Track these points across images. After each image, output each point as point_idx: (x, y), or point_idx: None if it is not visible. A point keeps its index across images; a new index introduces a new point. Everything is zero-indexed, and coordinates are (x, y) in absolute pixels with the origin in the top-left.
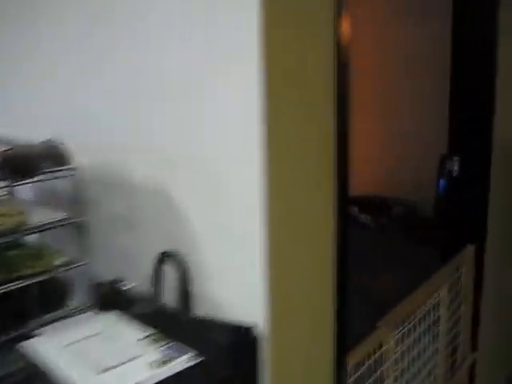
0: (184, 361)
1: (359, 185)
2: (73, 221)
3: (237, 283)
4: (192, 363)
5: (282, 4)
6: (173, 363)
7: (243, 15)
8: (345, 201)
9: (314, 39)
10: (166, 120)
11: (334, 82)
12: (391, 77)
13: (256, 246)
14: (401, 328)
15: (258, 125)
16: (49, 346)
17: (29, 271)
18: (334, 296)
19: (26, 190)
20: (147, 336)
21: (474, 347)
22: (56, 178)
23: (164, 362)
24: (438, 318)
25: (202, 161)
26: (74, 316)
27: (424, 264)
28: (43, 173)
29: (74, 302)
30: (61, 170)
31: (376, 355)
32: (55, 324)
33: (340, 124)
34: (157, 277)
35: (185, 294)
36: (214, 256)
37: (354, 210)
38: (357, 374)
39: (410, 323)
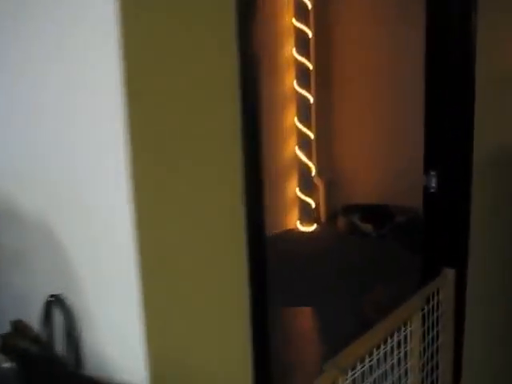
0: None
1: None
2: None
3: (117, 335)
4: None
5: None
6: None
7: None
8: (260, 230)
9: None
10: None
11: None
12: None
13: (131, 295)
14: (359, 367)
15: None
16: None
17: None
18: (249, 350)
19: None
20: None
21: (456, 378)
22: None
23: None
24: (410, 350)
25: (76, 192)
26: None
27: (396, 290)
28: None
29: None
30: None
31: None
32: None
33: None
34: (46, 322)
35: (70, 344)
36: (96, 303)
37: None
38: None
39: (371, 361)
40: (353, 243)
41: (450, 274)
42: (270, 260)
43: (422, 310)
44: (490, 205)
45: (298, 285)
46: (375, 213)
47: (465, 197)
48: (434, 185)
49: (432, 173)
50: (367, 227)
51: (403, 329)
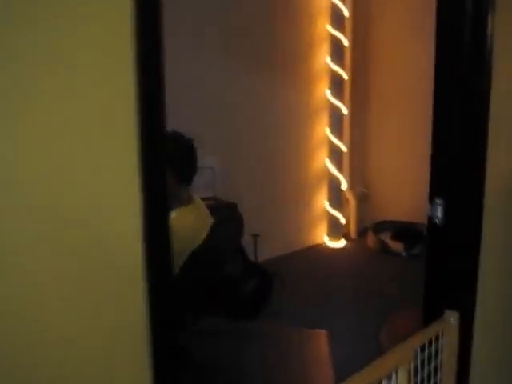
0: None
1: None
2: None
3: None
4: None
5: None
6: None
7: None
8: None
9: None
10: None
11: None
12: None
13: None
14: None
15: None
16: None
17: None
18: None
19: None
20: None
21: None
22: None
23: None
24: None
25: None
26: None
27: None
28: None
29: None
30: None
31: None
32: None
33: None
34: None
35: None
36: None
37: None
38: None
39: None
40: (381, 263)
41: (453, 317)
42: (292, 276)
43: (415, 357)
44: (504, 240)
45: (318, 305)
46: (407, 232)
47: (475, 229)
48: (439, 215)
49: (438, 201)
50: (398, 246)
51: (386, 382)
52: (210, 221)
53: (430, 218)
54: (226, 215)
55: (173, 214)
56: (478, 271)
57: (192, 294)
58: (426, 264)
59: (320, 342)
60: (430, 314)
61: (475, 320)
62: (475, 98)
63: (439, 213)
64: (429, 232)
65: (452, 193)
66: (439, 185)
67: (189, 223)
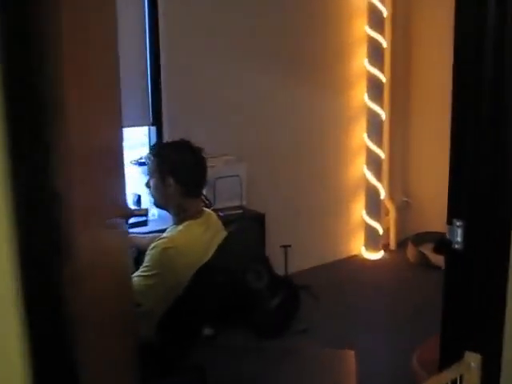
0: None
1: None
2: None
3: None
4: None
5: None
6: None
7: None
8: None
9: None
10: None
11: None
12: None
13: None
14: None
15: None
16: None
17: None
18: None
19: None
20: None
21: None
22: None
23: None
24: None
25: None
26: None
27: None
28: None
29: None
30: None
31: None
32: None
33: None
34: None
35: None
36: None
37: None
38: None
39: None
40: (421, 277)
41: (474, 360)
42: (325, 290)
43: None
44: None
45: (351, 321)
46: (450, 244)
47: (500, 256)
48: (459, 239)
49: (457, 223)
50: (439, 260)
51: None
52: (223, 234)
53: (449, 242)
54: (249, 226)
55: (179, 227)
56: (506, 306)
57: (204, 308)
58: (444, 296)
59: (347, 364)
60: (448, 356)
61: (501, 364)
62: (497, 106)
63: (459, 237)
64: (447, 257)
65: (474, 213)
66: (459, 204)
67: (196, 237)
